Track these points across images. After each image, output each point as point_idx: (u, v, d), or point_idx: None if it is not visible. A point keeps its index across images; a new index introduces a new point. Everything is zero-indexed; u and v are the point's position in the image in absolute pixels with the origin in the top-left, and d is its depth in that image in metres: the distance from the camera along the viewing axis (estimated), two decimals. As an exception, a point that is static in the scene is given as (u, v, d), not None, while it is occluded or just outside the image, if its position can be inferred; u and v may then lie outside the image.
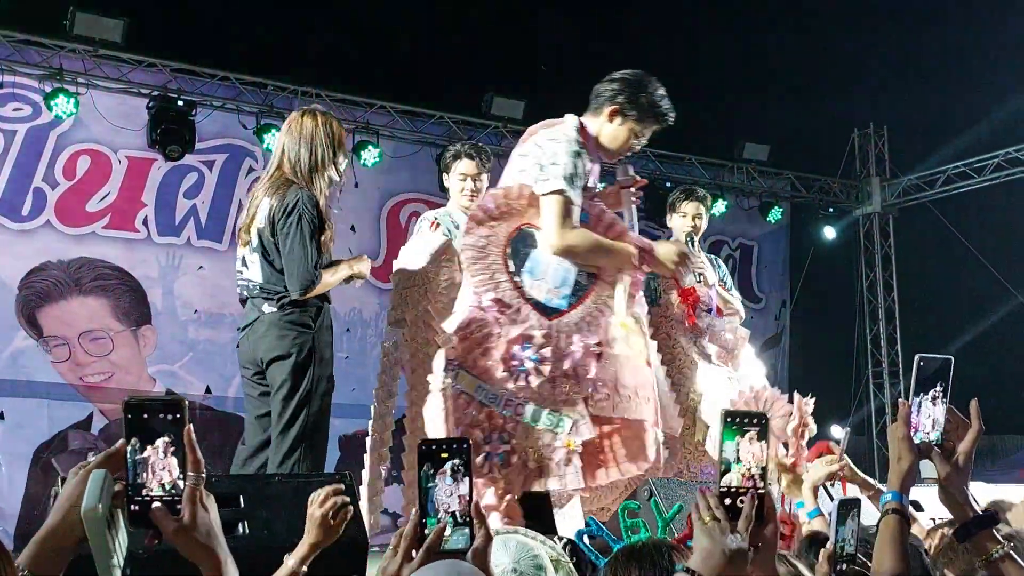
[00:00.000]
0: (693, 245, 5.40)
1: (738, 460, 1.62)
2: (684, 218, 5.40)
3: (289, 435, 3.96)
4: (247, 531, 2.64)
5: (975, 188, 11.92)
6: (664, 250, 3.90)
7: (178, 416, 1.45)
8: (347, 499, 2.40)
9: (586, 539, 2.32)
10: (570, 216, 3.62)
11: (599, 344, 3.64)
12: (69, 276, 8.61)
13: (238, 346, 4.22)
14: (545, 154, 3.70)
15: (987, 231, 12.10)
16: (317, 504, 2.37)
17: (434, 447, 1.66)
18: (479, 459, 3.45)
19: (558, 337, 3.60)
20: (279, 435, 3.99)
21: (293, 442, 3.96)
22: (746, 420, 1.64)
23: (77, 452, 8.33)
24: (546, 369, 3.54)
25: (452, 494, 1.65)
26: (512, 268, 3.66)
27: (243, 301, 4.24)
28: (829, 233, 12.68)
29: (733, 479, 1.62)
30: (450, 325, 3.62)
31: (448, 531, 1.64)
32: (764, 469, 1.63)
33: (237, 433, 9.21)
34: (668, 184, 11.57)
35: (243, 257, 4.15)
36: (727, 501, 1.62)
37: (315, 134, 4.09)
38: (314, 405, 4.03)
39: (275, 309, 4.03)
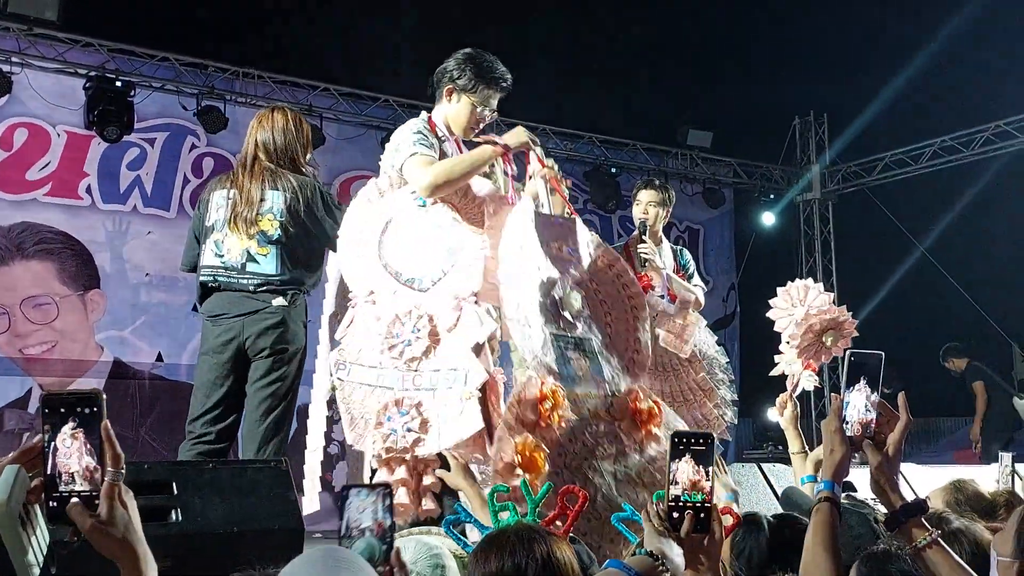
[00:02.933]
0: (645, 233, 5.50)
1: (680, 479, 1.81)
2: (638, 206, 5.56)
3: (275, 423, 4.16)
4: (180, 519, 2.62)
5: (912, 175, 12.17)
6: (513, 133, 3.96)
7: (95, 410, 1.42)
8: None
9: (455, 527, 2.28)
10: (426, 166, 3.75)
11: (475, 294, 3.71)
12: (10, 241, 8.42)
13: (213, 325, 4.21)
14: (394, 143, 3.89)
15: (924, 217, 12.34)
16: None
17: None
18: (389, 440, 3.50)
19: (434, 304, 3.68)
20: (266, 422, 4.14)
21: (276, 429, 4.16)
22: (691, 441, 1.81)
23: (13, 432, 8.17)
24: (425, 332, 3.61)
25: (365, 511, 1.70)
26: (383, 254, 3.78)
27: (216, 288, 4.23)
28: (768, 219, 12.88)
29: (678, 493, 1.81)
30: (339, 330, 3.74)
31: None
32: (710, 486, 1.81)
33: (189, 402, 9.09)
34: (613, 169, 11.68)
35: (246, 250, 4.19)
36: (675, 515, 1.82)
37: (287, 128, 4.28)
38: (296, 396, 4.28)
39: (286, 303, 4.15)
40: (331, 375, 3.69)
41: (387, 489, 1.72)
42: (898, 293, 12.48)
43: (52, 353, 8.50)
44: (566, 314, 3.86)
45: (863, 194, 12.72)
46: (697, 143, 12.14)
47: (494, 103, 4.04)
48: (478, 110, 3.99)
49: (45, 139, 8.65)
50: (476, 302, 3.70)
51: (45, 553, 1.44)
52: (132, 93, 8.79)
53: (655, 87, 11.80)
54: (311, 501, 3.83)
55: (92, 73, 8.71)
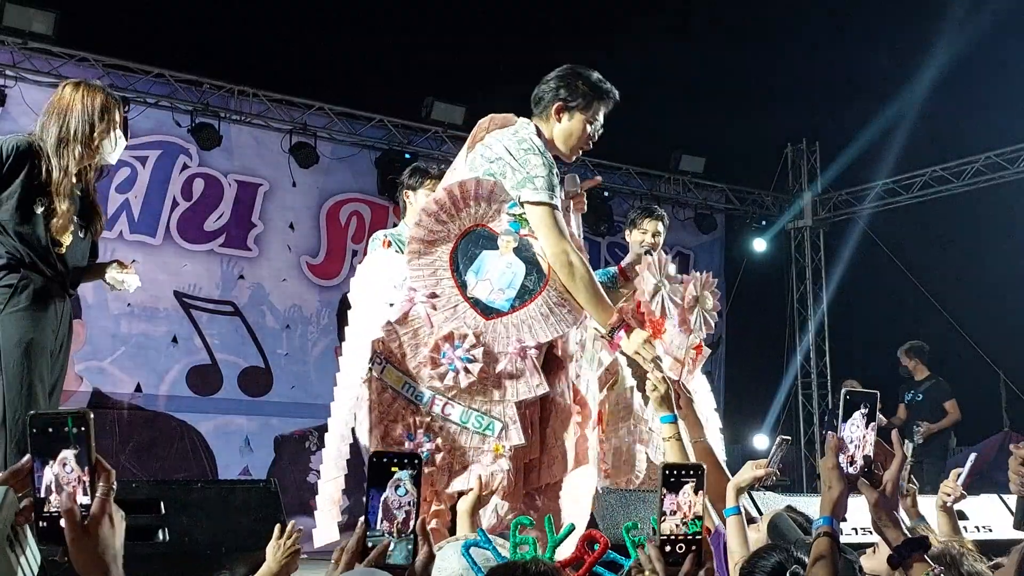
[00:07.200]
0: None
1: (676, 511, 1.77)
2: (644, 234, 5.65)
3: None
4: (167, 538, 2.59)
5: (903, 204, 12.22)
6: (635, 339, 3.60)
7: (84, 429, 1.41)
8: (300, 547, 2.56)
9: (472, 551, 2.24)
10: (563, 228, 3.59)
11: (537, 347, 3.54)
12: (-11, 270, 8.35)
13: None
14: (519, 161, 3.65)
15: (914, 246, 12.38)
16: (283, 540, 2.56)
17: (384, 459, 1.65)
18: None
19: (494, 338, 3.51)
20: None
21: None
22: (683, 473, 1.78)
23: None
24: (476, 369, 3.45)
25: (399, 507, 1.64)
26: (458, 265, 3.59)
27: None
28: (759, 246, 12.90)
29: (671, 528, 1.77)
30: (391, 316, 3.54)
31: (391, 546, 1.62)
32: (700, 517, 1.78)
33: (167, 432, 9.14)
34: (606, 193, 11.69)
35: None
36: (667, 548, 1.76)
37: (71, 107, 3.78)
38: None
39: None
40: (366, 364, 3.51)
41: (418, 459, 1.65)
42: (887, 322, 12.50)
43: (32, 382, 8.44)
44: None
45: (854, 222, 12.77)
46: (689, 168, 12.19)
47: (602, 117, 3.98)
48: (589, 128, 3.91)
49: (32, 160, 8.59)
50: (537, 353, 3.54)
51: (36, 574, 1.42)
52: (127, 108, 8.77)
53: (649, 112, 11.84)
54: (327, 531, 3.47)
55: (86, 88, 8.69)
